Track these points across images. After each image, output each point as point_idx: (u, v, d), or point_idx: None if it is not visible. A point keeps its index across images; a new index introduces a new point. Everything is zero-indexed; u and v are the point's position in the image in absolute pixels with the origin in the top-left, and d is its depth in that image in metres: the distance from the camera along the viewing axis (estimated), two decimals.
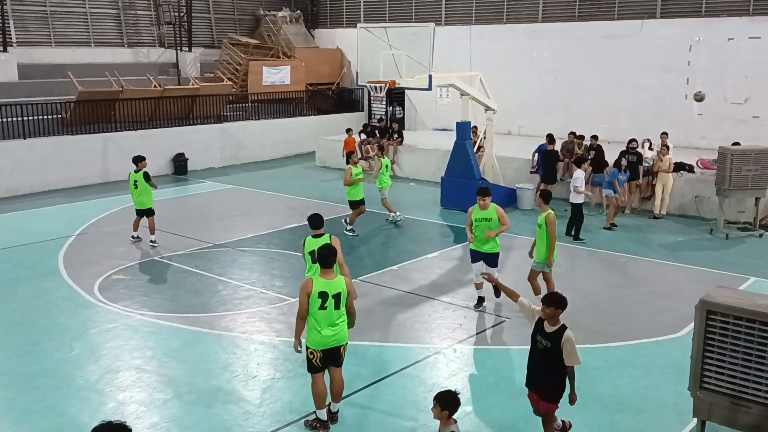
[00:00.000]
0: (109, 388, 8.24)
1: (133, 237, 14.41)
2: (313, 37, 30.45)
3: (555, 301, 6.38)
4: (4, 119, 19.10)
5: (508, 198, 17.75)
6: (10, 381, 8.38)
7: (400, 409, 7.73)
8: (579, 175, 14.40)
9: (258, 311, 10.70)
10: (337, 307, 7.01)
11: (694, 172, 16.86)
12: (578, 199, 14.39)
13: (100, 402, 7.90)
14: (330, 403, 7.39)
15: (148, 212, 14.16)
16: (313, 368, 7.18)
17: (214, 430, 7.33)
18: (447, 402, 5.62)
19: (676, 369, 8.48)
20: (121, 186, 20.15)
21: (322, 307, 6.95)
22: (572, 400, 6.60)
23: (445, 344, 9.48)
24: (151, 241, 14.12)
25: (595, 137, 17.76)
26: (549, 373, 6.47)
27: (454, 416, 5.58)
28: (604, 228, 15.31)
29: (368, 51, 16.79)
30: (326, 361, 7.17)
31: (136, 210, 14.20)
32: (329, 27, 30.35)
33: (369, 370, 8.66)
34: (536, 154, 18.18)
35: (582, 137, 18.35)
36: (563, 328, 6.36)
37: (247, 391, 8.15)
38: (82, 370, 8.68)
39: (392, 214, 15.99)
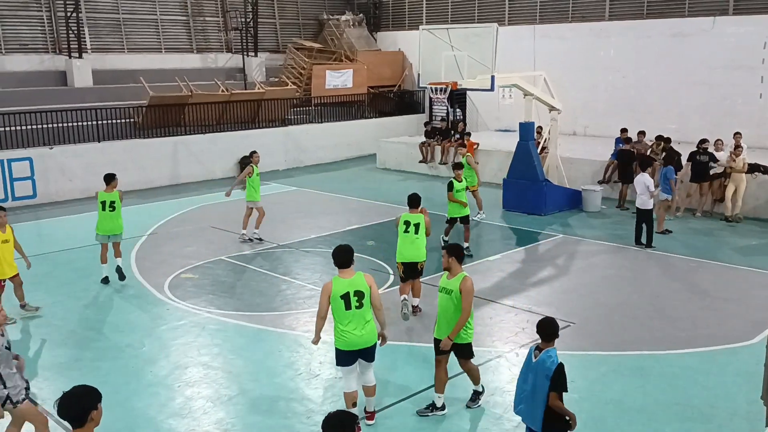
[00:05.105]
0: (178, 383, 8.49)
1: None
2: (375, 40, 30.62)
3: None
4: (80, 123, 19.88)
5: (572, 200, 17.47)
6: (83, 376, 8.70)
7: (461, 412, 7.70)
8: (648, 179, 13.82)
9: None
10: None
11: None
12: (648, 205, 13.82)
13: (168, 397, 8.15)
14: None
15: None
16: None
17: (277, 427, 7.47)
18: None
19: (748, 377, 8.18)
20: (190, 188, 20.76)
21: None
22: None
23: (507, 348, 9.40)
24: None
25: (665, 139, 17.24)
26: None
27: None
28: (658, 232, 14.48)
29: (430, 53, 16.78)
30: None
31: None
32: (391, 29, 30.46)
33: (430, 372, 8.63)
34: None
35: (664, 138, 17.41)
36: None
37: (310, 390, 8.27)
38: (151, 365, 8.97)
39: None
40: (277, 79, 27.33)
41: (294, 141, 24.57)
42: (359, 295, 7.02)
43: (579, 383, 8.25)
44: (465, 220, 13.46)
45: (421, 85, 17.43)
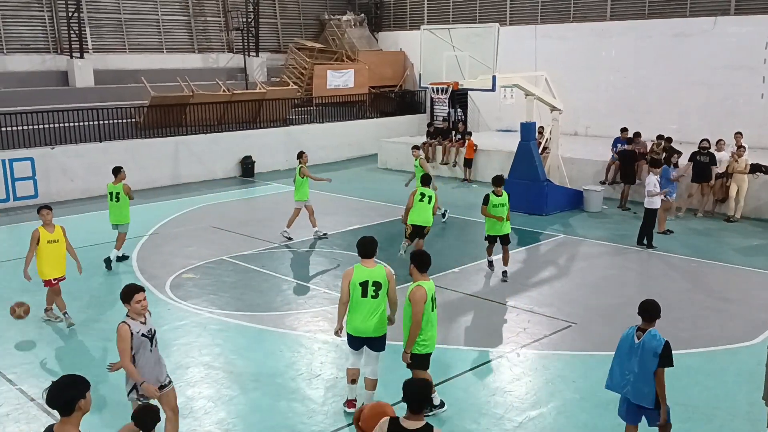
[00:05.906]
0: (179, 383, 8.46)
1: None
2: (377, 40, 30.63)
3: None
4: (81, 123, 19.87)
5: (574, 200, 17.47)
6: (84, 375, 8.70)
7: (462, 413, 7.70)
8: (652, 179, 13.81)
9: (321, 311, 10.83)
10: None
11: None
12: (654, 204, 13.84)
13: None
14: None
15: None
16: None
17: (279, 427, 7.47)
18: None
19: (749, 378, 8.19)
20: (191, 188, 20.77)
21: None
22: None
23: (509, 348, 9.40)
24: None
25: (666, 139, 17.25)
26: None
27: None
28: (659, 233, 14.47)
29: (431, 53, 16.78)
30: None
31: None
32: (392, 29, 30.47)
33: (431, 372, 8.64)
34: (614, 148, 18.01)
35: (665, 138, 17.40)
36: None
37: (311, 390, 8.28)
38: None
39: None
40: (278, 79, 27.34)
41: (295, 141, 24.52)
42: (377, 285, 7.21)
43: (580, 384, 8.27)
44: (504, 239, 12.09)
45: (422, 85, 17.45)
